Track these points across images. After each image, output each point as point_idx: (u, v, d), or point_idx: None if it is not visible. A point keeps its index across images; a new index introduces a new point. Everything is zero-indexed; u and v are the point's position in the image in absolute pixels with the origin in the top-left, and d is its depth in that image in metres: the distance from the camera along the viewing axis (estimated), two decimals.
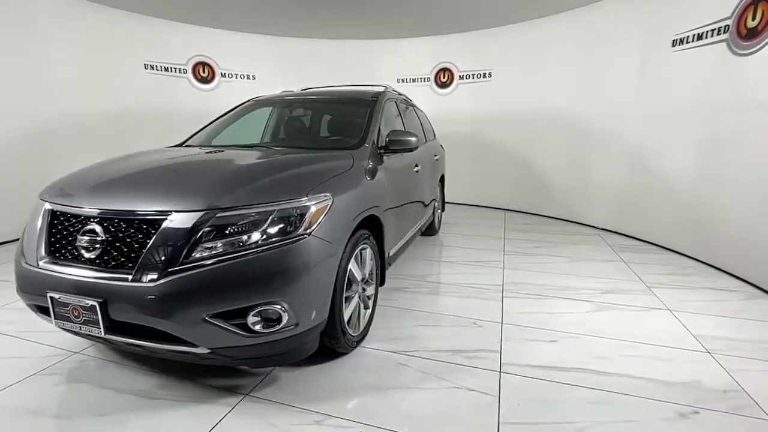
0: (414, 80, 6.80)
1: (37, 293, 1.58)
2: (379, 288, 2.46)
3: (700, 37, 3.69)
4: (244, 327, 1.51)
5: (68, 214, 1.63)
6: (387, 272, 3.15)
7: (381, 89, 3.29)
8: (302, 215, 1.61)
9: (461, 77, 6.49)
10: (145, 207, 1.53)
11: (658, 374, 1.93)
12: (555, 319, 2.51)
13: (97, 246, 1.53)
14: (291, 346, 1.67)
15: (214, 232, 1.49)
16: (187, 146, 2.73)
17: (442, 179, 4.76)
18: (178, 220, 1.48)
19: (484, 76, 6.32)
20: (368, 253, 2.20)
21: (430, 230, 4.45)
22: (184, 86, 5.84)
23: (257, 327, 1.53)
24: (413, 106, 4.20)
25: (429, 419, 1.62)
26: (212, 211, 1.50)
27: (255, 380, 1.85)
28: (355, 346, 2.11)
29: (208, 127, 3.01)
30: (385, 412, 1.66)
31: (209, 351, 1.54)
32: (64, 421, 1.60)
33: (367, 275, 2.20)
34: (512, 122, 6.03)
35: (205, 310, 1.45)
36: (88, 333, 1.53)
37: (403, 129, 3.37)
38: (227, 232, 1.51)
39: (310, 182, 1.74)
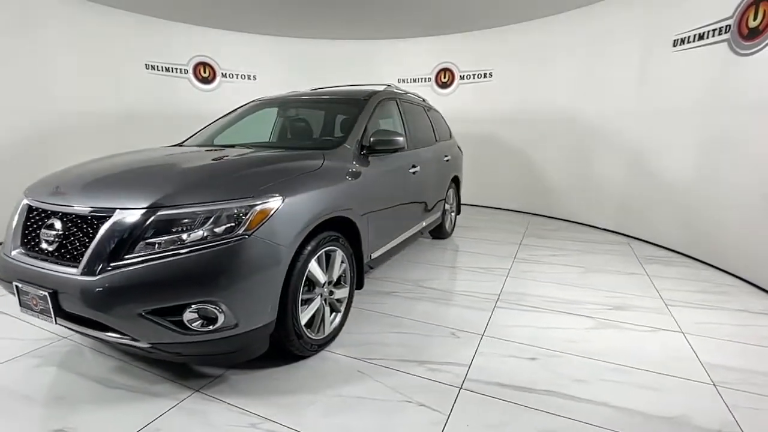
0: (415, 80, 6.79)
1: (8, 281, 1.71)
2: (365, 291, 2.41)
3: (701, 37, 3.65)
4: (181, 324, 1.53)
5: (39, 209, 1.75)
6: (372, 276, 3.13)
7: (380, 89, 3.23)
8: (242, 216, 1.60)
9: (462, 77, 6.49)
10: (95, 204, 1.60)
11: (640, 405, 1.70)
12: (544, 335, 2.32)
13: (56, 240, 1.62)
14: (234, 346, 1.67)
15: (154, 230, 1.52)
16: (183, 145, 2.84)
17: (456, 181, 4.60)
18: (122, 218, 1.53)
19: (485, 76, 6.31)
20: (338, 255, 2.16)
21: (439, 233, 4.32)
22: (185, 86, 5.82)
23: (194, 325, 1.55)
24: (423, 105, 4.09)
25: None
26: (154, 209, 1.54)
27: (210, 377, 1.88)
28: (318, 350, 2.08)
29: (209, 127, 3.12)
30: (323, 421, 1.61)
31: (150, 345, 1.58)
32: (25, 401, 1.71)
33: (335, 278, 2.16)
34: (514, 122, 6.02)
35: (141, 305, 1.48)
36: (44, 320, 1.62)
37: (402, 129, 3.31)
38: (167, 230, 1.53)
39: (258, 183, 1.72)
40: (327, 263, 2.12)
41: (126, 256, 1.50)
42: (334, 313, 2.24)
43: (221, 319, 1.56)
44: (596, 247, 4.21)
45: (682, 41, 3.87)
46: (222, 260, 1.53)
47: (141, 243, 1.51)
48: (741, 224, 3.28)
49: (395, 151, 2.62)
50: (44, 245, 1.65)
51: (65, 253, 1.60)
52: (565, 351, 2.14)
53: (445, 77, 6.60)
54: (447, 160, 4.12)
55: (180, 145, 2.86)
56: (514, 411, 1.66)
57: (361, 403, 1.71)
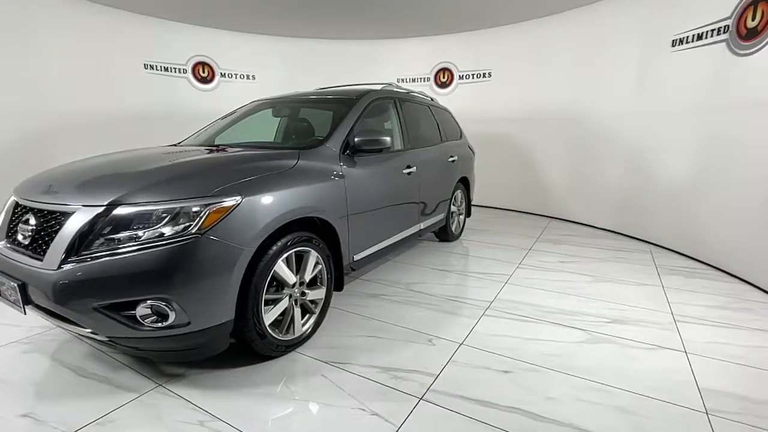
0: (414, 80, 6.76)
1: None
2: (352, 292, 2.38)
3: (699, 37, 3.64)
4: (133, 320, 1.57)
5: (21, 205, 1.85)
6: (364, 277, 3.08)
7: (377, 88, 3.19)
8: (195, 216, 1.61)
9: (461, 77, 6.49)
10: (62, 201, 1.67)
11: (610, 430, 1.55)
12: (527, 347, 2.18)
13: (29, 235, 1.71)
14: (189, 343, 1.68)
15: (111, 227, 1.57)
16: (180, 144, 2.93)
17: (465, 182, 4.46)
18: (82, 215, 1.59)
19: (484, 76, 6.30)
20: (311, 256, 2.13)
21: (445, 235, 4.21)
22: (184, 86, 5.84)
23: (146, 321, 1.58)
24: (429, 104, 4.00)
25: None
26: (111, 207, 1.58)
27: (175, 372, 1.91)
28: (286, 351, 2.06)
29: (210, 127, 3.19)
30: (269, 423, 1.59)
31: (108, 339, 1.63)
32: (2, 385, 1.82)
33: (308, 279, 2.14)
34: (512, 122, 5.99)
35: (95, 299, 1.53)
36: (15, 310, 1.72)
37: (399, 128, 3.25)
38: (122, 227, 1.57)
39: (216, 183, 1.73)
40: (300, 264, 2.11)
41: (83, 252, 1.55)
42: (308, 315, 2.22)
43: (172, 316, 1.58)
44: (613, 254, 3.93)
45: (681, 41, 3.85)
46: (173, 258, 1.55)
47: (99, 239, 1.56)
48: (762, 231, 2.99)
49: (380, 151, 2.56)
50: (20, 239, 1.74)
51: (36, 247, 1.68)
52: (545, 365, 2.00)
53: (444, 77, 6.61)
54: (453, 161, 4.00)
55: (176, 144, 2.95)
56: (469, 427, 1.57)
57: (316, 410, 1.68)
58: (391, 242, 2.98)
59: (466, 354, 2.11)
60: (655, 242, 4.29)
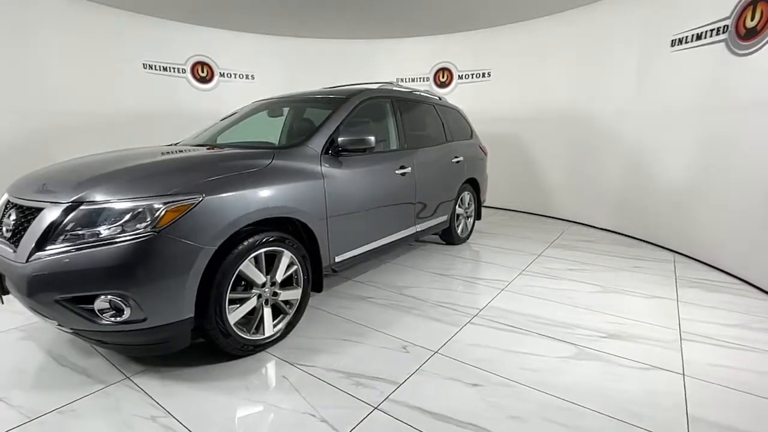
0: (413, 80, 6.70)
1: None
2: (339, 294, 2.36)
3: (699, 37, 3.62)
4: (92, 313, 1.62)
5: (9, 202, 1.97)
6: (355, 279, 3.04)
7: (369, 87, 3.14)
8: (151, 214, 1.64)
9: (460, 77, 6.46)
10: (36, 198, 1.76)
11: None
12: (506, 360, 2.06)
13: (10, 229, 1.81)
14: (148, 338, 1.72)
15: (74, 224, 1.62)
16: (177, 144, 3.02)
17: (474, 184, 4.31)
18: (50, 212, 1.66)
19: (484, 75, 6.28)
20: (284, 257, 2.13)
21: (450, 238, 4.09)
22: (183, 86, 5.80)
23: (105, 316, 1.63)
24: (434, 103, 3.90)
25: None
26: (75, 204, 1.64)
27: (145, 366, 1.96)
28: (255, 351, 2.06)
29: (213, 126, 3.26)
30: (218, 423, 1.59)
31: (72, 330, 1.70)
32: None
33: (279, 279, 2.13)
34: (513, 121, 5.94)
35: (57, 292, 1.59)
36: None
37: (395, 128, 3.19)
38: (84, 224, 1.62)
39: (176, 182, 1.75)
40: (272, 264, 2.10)
41: (48, 247, 1.62)
42: (281, 315, 2.21)
43: (128, 312, 1.62)
44: (631, 263, 3.66)
45: (680, 41, 3.82)
46: (127, 255, 1.58)
47: (62, 235, 1.62)
48: None
49: (364, 151, 2.52)
50: (4, 232, 1.85)
51: (15, 241, 1.78)
52: (519, 381, 1.88)
53: (443, 77, 6.58)
54: (458, 162, 3.88)
55: (173, 144, 3.05)
56: None
57: (264, 410, 1.66)
58: (380, 244, 2.92)
59: (438, 363, 2.02)
60: (682, 252, 3.94)
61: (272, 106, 3.27)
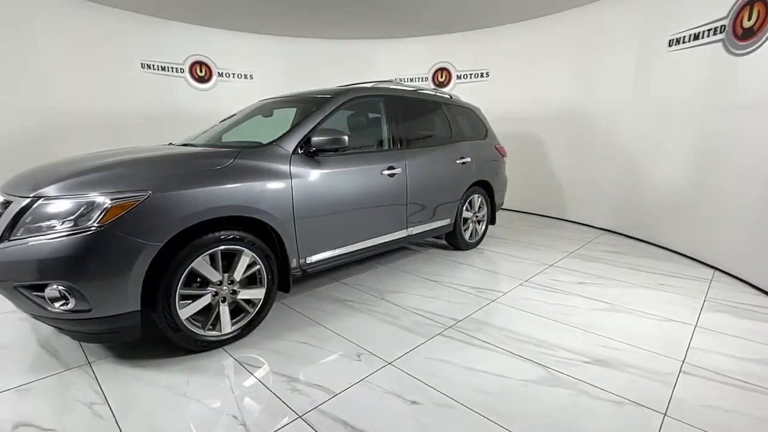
0: (412, 80, 6.62)
1: None
2: (318, 295, 2.35)
3: (696, 37, 3.64)
4: (44, 301, 1.73)
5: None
6: (342, 280, 3.00)
7: (357, 86, 3.09)
8: (97, 209, 1.71)
9: (459, 77, 6.44)
10: (10, 192, 1.91)
11: None
12: (461, 378, 1.90)
13: None
14: (97, 327, 1.80)
15: (31, 217, 1.74)
16: (176, 144, 3.17)
17: (487, 187, 4.08)
18: (16, 205, 1.80)
19: (482, 75, 6.26)
20: (244, 256, 2.14)
21: (455, 243, 3.90)
22: (181, 86, 5.78)
23: (56, 304, 1.73)
24: (442, 102, 3.74)
25: None
26: (34, 199, 1.76)
27: (109, 354, 2.07)
28: (210, 347, 2.09)
29: (217, 126, 3.37)
30: (140, 416, 1.62)
31: (32, 316, 1.83)
32: None
33: (238, 278, 2.14)
34: (512, 121, 5.80)
35: (14, 279, 1.72)
36: None
37: (387, 127, 3.10)
38: (39, 218, 1.73)
39: (125, 179, 1.82)
40: (231, 262, 2.12)
41: (12, 237, 1.75)
42: (243, 314, 2.23)
43: (73, 301, 1.71)
44: (657, 279, 3.24)
45: (678, 41, 3.83)
46: (72, 248, 1.66)
47: (22, 227, 1.75)
48: None
49: (336, 150, 2.47)
50: None
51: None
52: (464, 402, 1.72)
53: (442, 77, 6.58)
54: (464, 163, 3.69)
55: (169, 144, 3.18)
56: None
57: (190, 407, 1.67)
58: (362, 247, 2.85)
59: (386, 375, 1.92)
60: (725, 269, 3.42)
61: (276, 106, 3.32)
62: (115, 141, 3.66)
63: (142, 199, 1.78)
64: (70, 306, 1.72)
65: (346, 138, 2.45)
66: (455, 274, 3.33)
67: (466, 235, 3.93)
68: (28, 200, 1.77)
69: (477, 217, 4.04)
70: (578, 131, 5.19)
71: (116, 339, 1.91)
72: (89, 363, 1.99)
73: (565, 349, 2.16)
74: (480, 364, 2.02)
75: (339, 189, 2.62)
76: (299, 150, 2.44)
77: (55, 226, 1.71)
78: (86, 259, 1.68)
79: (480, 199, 4.02)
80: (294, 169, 2.36)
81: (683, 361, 2.05)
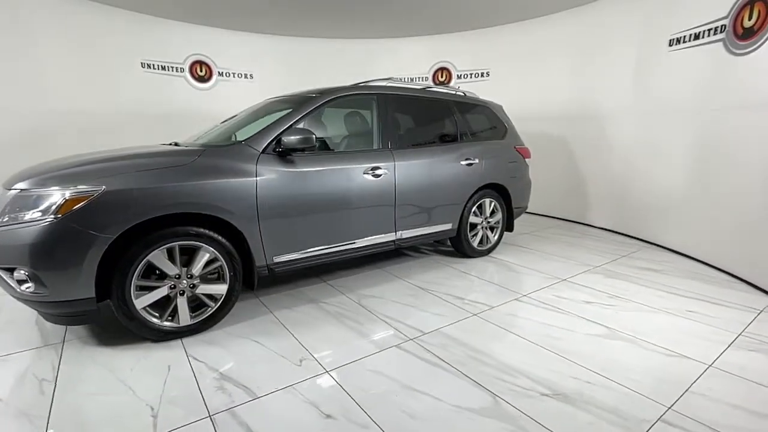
0: (411, 80, 6.47)
1: None
2: (295, 296, 2.43)
3: (696, 36, 3.64)
4: (14, 282, 1.93)
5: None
6: (329, 282, 2.96)
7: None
8: (53, 202, 1.86)
9: (459, 77, 6.41)
10: (4, 186, 2.15)
11: None
12: (395, 397, 1.76)
13: None
14: (58, 310, 1.96)
15: (9, 207, 1.95)
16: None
17: (502, 191, 3.78)
18: (2, 196, 2.02)
19: (482, 75, 6.23)
20: (204, 252, 2.20)
21: (461, 249, 3.66)
22: (181, 85, 5.75)
23: (22, 287, 1.92)
24: (450, 100, 3.55)
25: (92, 420, 1.59)
26: (13, 191, 1.97)
27: (89, 335, 2.26)
28: (166, 338, 2.18)
29: (220, 126, 3.53)
30: (80, 396, 1.73)
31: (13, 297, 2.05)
32: None
33: (196, 273, 2.20)
34: (518, 121, 5.02)
35: None
36: None
37: (378, 127, 3.00)
38: (16, 208, 1.93)
39: (83, 175, 1.95)
40: (192, 257, 2.20)
41: None
42: (204, 308, 2.29)
43: (32, 285, 1.88)
44: (688, 305, 2.74)
45: (678, 41, 3.83)
46: (30, 237, 1.83)
47: (4, 216, 1.96)
48: None
49: (303, 150, 2.44)
50: None
51: None
52: (381, 423, 1.58)
53: (442, 76, 6.53)
54: (470, 164, 3.45)
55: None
56: None
57: (117, 394, 1.74)
58: (340, 249, 2.78)
59: (316, 384, 1.84)
60: None
61: (283, 105, 3.37)
62: (114, 141, 3.55)
63: (96, 194, 1.91)
64: (30, 289, 1.89)
65: (313, 137, 2.42)
66: (448, 283, 3.12)
67: (474, 242, 3.68)
68: (10, 191, 1.98)
69: (489, 223, 3.76)
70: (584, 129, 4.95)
71: (78, 322, 2.07)
72: (63, 342, 2.18)
73: (528, 377, 1.91)
74: (422, 383, 1.86)
75: (312, 189, 2.59)
76: (270, 150, 2.45)
77: (24, 216, 1.89)
78: (42, 247, 1.84)
79: (492, 203, 3.74)
80: (261, 169, 2.38)
81: (669, 408, 1.70)
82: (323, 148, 2.89)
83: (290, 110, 2.65)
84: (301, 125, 2.60)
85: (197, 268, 2.21)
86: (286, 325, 2.42)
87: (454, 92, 3.69)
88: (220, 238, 2.25)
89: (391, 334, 2.32)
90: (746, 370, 1.97)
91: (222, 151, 2.36)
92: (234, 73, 6.22)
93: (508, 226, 3.97)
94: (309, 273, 3.27)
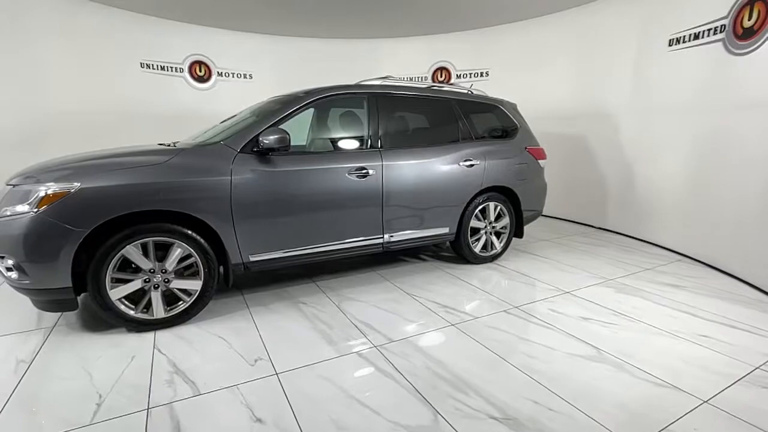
0: (411, 79, 6.07)
1: None
2: (275, 295, 2.52)
3: (696, 36, 3.66)
4: (5, 270, 2.10)
5: None
6: (319, 284, 2.97)
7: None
8: (34, 197, 2.00)
9: (458, 76, 6.39)
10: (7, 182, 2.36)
11: None
12: (334, 405, 1.69)
13: None
14: (39, 297, 2.11)
15: (5, 201, 2.13)
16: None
17: (510, 195, 3.56)
18: (4, 189, 2.22)
19: (482, 75, 6.21)
20: (177, 248, 2.27)
21: (461, 253, 3.49)
22: (181, 85, 5.74)
23: (9, 274, 2.09)
24: (452, 98, 3.41)
25: (44, 402, 1.70)
26: (8, 187, 2.15)
27: (77, 319, 2.42)
28: (140, 328, 2.28)
29: (220, 125, 3.62)
30: (43, 378, 1.85)
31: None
32: (6, 301, 2.71)
33: (170, 268, 2.28)
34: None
35: None
36: None
37: (367, 126, 2.94)
38: (8, 202, 2.11)
39: (63, 172, 2.08)
40: (167, 253, 2.28)
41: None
42: (180, 302, 2.37)
43: (16, 273, 2.04)
44: (707, 329, 2.40)
45: (678, 41, 3.85)
46: (11, 228, 1.99)
47: (2, 209, 2.15)
48: None
49: (278, 150, 2.44)
50: None
51: None
52: (310, 430, 1.53)
53: (441, 76, 6.50)
54: (470, 165, 3.28)
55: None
56: None
57: (79, 380, 1.84)
58: (321, 250, 2.75)
59: (260, 386, 1.82)
60: None
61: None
62: (114, 141, 3.48)
63: (72, 190, 2.03)
64: (14, 277, 2.06)
65: (287, 137, 2.41)
66: (438, 290, 2.99)
67: (477, 248, 3.49)
68: (6, 186, 2.17)
69: (494, 228, 3.56)
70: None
71: (58, 309, 2.21)
72: (53, 327, 2.36)
73: (483, 396, 1.76)
74: (367, 393, 1.78)
75: (291, 190, 2.58)
76: (249, 149, 2.48)
77: (12, 210, 2.06)
78: (24, 238, 1.98)
79: (498, 207, 3.53)
80: (237, 168, 2.41)
81: None
82: (317, 148, 2.89)
83: (274, 110, 2.67)
84: (283, 125, 2.61)
85: (171, 263, 2.28)
86: (258, 323, 2.43)
87: (459, 91, 3.53)
88: (194, 235, 2.32)
89: (358, 340, 2.25)
90: (749, 411, 1.67)
91: (199, 150, 2.42)
92: (233, 73, 6.20)
93: (518, 232, 3.73)
94: (301, 273, 3.28)
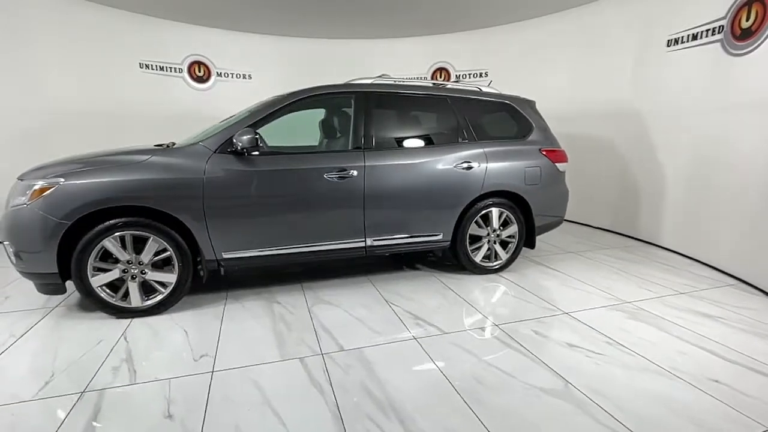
0: (411, 80, 5.56)
1: None
2: (265, 299, 2.72)
3: (694, 37, 3.69)
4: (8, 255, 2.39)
5: None
6: (310, 289, 3.02)
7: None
8: (28, 191, 2.24)
9: (458, 77, 6.37)
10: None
11: None
12: (247, 412, 1.66)
13: None
14: (34, 280, 2.37)
15: (14, 191, 2.42)
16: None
17: (519, 201, 3.26)
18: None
19: (481, 75, 6.21)
20: (152, 242, 2.40)
21: (458, 260, 3.25)
22: (180, 85, 5.72)
23: (11, 258, 2.37)
24: (452, 97, 3.20)
25: (8, 375, 1.89)
26: (18, 180, 2.44)
27: (77, 301, 2.68)
28: (120, 315, 2.45)
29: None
30: (23, 354, 2.06)
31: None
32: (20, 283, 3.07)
33: (145, 261, 2.42)
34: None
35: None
36: None
37: (354, 126, 2.88)
38: (13, 195, 2.39)
39: (50, 170, 2.30)
40: (144, 246, 2.43)
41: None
42: (156, 293, 2.51)
43: (13, 258, 2.30)
44: (721, 370, 1.96)
45: (676, 41, 3.89)
46: (9, 218, 2.25)
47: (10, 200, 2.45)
48: None
49: (251, 151, 2.47)
50: None
51: None
52: (213, 430, 1.52)
53: (441, 77, 6.49)
54: (468, 168, 3.05)
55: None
56: None
57: (45, 357, 2.02)
58: (297, 251, 2.73)
59: (189, 382, 1.85)
60: None
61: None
62: (114, 141, 3.45)
63: (56, 185, 2.24)
64: (14, 260, 2.33)
65: (256, 138, 2.43)
66: (421, 300, 2.81)
67: (477, 257, 3.24)
68: (16, 182, 2.47)
69: (499, 236, 3.27)
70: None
71: (49, 292, 2.44)
72: (53, 309, 2.63)
73: (403, 423, 1.60)
74: (286, 403, 1.71)
75: (266, 190, 2.61)
76: (225, 150, 2.55)
77: (14, 201, 2.33)
78: (16, 227, 2.24)
79: (504, 214, 3.23)
80: (210, 168, 2.48)
81: None
82: (307, 148, 2.88)
83: (255, 111, 2.71)
84: (262, 126, 2.65)
85: (146, 256, 2.43)
86: (225, 320, 2.49)
87: (462, 88, 3.30)
88: (169, 230, 2.44)
89: (308, 345, 2.19)
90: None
91: (177, 151, 2.54)
92: (232, 74, 6.14)
93: (529, 241, 3.39)
94: (294, 275, 3.29)
